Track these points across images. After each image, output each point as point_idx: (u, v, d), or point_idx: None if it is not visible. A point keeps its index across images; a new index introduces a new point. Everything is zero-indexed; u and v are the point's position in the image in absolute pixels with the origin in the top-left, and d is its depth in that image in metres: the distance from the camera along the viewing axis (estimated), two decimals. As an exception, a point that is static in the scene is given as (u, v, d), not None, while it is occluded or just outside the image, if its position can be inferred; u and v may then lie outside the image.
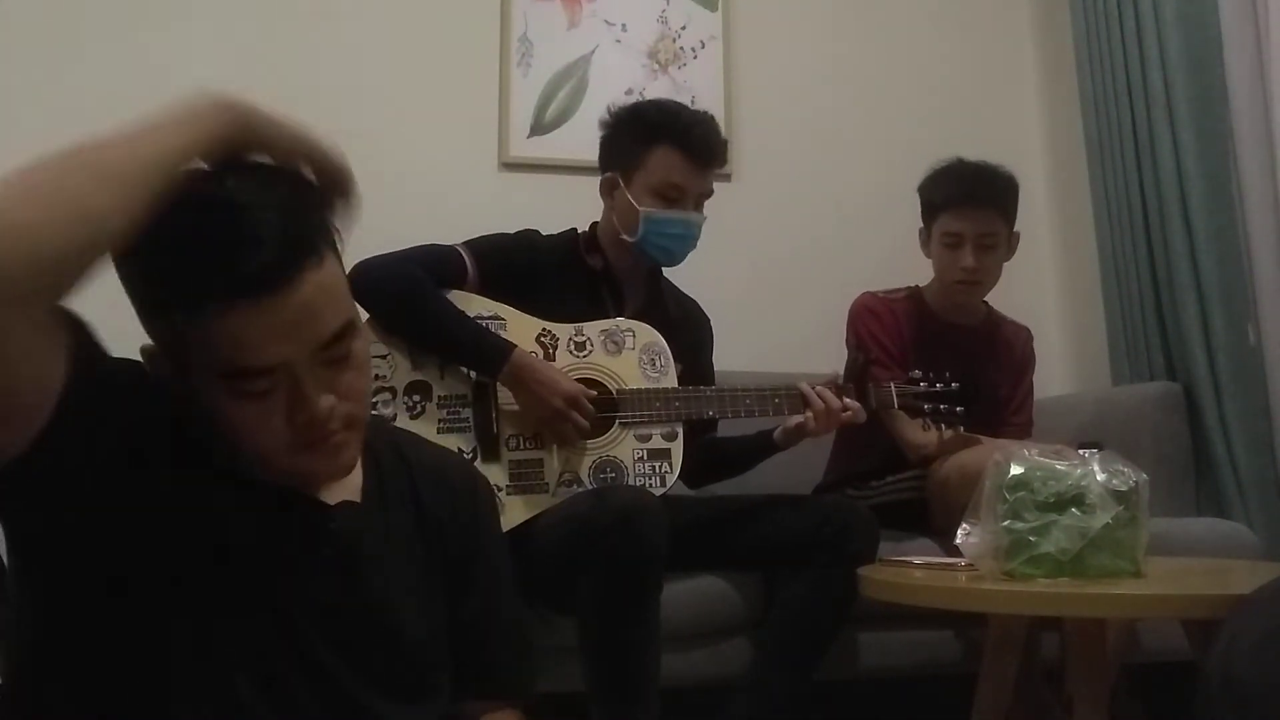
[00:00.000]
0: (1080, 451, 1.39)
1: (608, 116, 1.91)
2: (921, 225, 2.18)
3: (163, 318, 0.78)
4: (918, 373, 1.87)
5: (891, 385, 1.85)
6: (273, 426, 0.79)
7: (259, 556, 0.84)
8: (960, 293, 2.14)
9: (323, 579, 0.87)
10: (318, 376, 0.79)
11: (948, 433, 1.91)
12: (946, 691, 1.77)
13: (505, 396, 1.71)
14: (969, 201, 2.07)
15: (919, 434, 2.01)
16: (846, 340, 2.20)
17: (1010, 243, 2.13)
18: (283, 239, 0.75)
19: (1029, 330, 2.32)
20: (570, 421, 1.66)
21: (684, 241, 1.85)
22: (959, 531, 1.38)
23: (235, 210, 0.75)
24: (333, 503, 0.90)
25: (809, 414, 1.75)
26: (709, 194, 1.87)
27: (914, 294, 2.23)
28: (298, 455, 0.81)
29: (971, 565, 1.41)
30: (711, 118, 1.87)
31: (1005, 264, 2.14)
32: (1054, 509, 1.31)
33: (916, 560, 1.66)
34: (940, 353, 1.97)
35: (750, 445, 1.93)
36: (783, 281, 2.79)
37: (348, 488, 0.92)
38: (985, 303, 2.26)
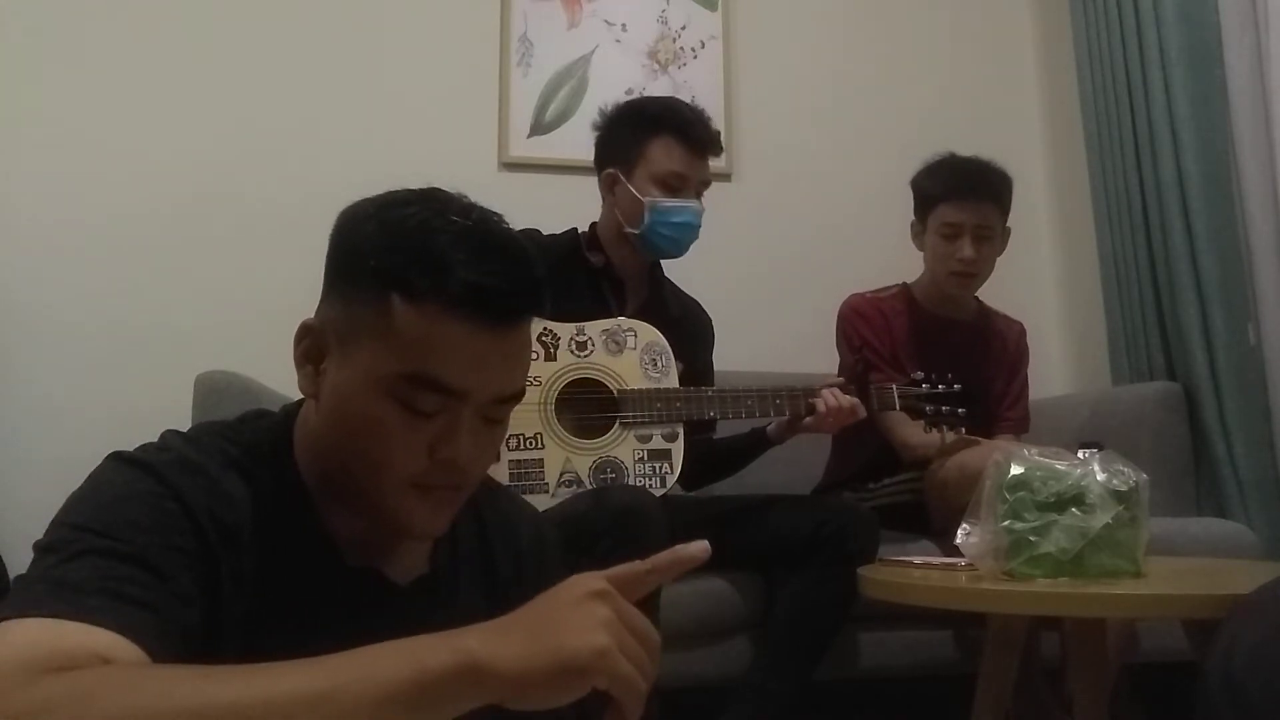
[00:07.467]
0: (1080, 451, 1.39)
1: (599, 117, 1.95)
2: (914, 218, 2.17)
3: (378, 288, 0.75)
4: (920, 374, 1.86)
5: (894, 386, 1.85)
6: (413, 446, 0.77)
7: (324, 636, 0.82)
8: (955, 284, 2.12)
9: None
10: (474, 425, 0.78)
11: (949, 435, 1.90)
12: (946, 691, 1.77)
13: None
14: (970, 193, 2.07)
15: (919, 435, 2.01)
16: (837, 343, 2.19)
17: (1004, 237, 2.13)
18: (538, 284, 0.79)
19: (1022, 325, 2.31)
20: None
21: (688, 230, 1.87)
22: (959, 531, 1.38)
23: (513, 238, 0.79)
24: (403, 582, 0.86)
25: (819, 409, 1.75)
26: (708, 183, 1.92)
27: (903, 291, 2.21)
28: (410, 492, 0.79)
29: (971, 565, 1.41)
30: (704, 111, 1.94)
31: (1000, 260, 2.14)
32: (1054, 509, 1.31)
33: (916, 560, 1.66)
34: (932, 349, 1.95)
35: (744, 443, 1.93)
36: (782, 281, 2.79)
37: (418, 554, 0.89)
38: (977, 298, 2.25)
